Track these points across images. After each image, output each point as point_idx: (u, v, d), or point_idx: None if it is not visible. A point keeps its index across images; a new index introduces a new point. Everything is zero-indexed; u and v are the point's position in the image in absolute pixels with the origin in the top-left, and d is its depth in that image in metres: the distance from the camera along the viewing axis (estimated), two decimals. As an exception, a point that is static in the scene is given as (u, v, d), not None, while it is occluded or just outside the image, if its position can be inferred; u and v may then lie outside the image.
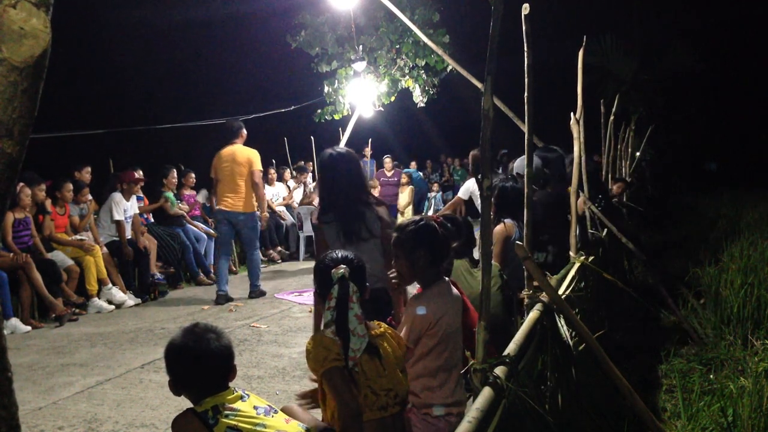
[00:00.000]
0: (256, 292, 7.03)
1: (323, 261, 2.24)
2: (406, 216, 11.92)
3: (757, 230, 7.90)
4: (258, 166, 6.95)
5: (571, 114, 4.78)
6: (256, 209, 7.01)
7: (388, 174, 12.87)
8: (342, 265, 2.14)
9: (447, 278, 2.60)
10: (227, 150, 6.91)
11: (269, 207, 10.33)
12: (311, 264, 8.80)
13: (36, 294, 5.91)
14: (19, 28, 0.75)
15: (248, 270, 7.14)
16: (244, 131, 7.06)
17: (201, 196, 9.08)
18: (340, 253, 2.24)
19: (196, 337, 1.99)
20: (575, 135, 4.69)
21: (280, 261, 9.96)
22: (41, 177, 6.50)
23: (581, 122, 4.89)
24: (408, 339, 2.40)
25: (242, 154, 6.89)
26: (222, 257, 6.97)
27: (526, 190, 3.08)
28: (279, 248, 10.10)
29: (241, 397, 1.99)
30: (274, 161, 11.50)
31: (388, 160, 13.05)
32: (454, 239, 3.07)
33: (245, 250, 7.19)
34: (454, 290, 2.59)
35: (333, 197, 3.25)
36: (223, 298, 6.74)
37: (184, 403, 1.98)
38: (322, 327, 2.15)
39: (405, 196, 12.70)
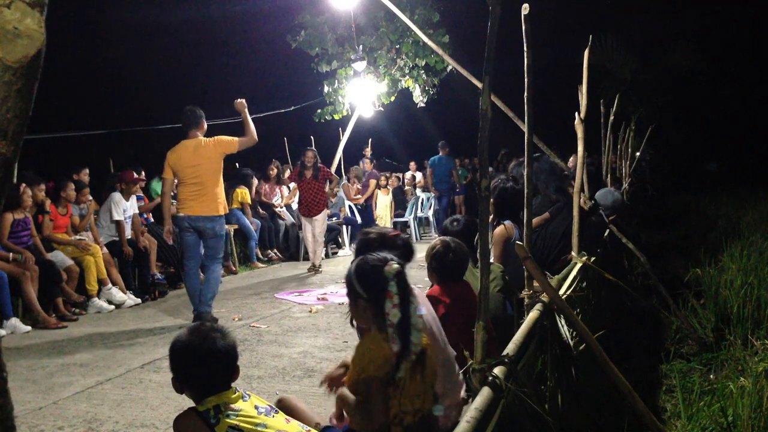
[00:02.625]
0: (204, 315, 5.57)
1: (367, 263, 2.09)
2: (382, 219, 11.75)
3: (757, 230, 7.89)
4: (230, 140, 5.77)
5: (576, 114, 4.76)
6: (223, 212, 5.83)
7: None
8: (393, 262, 2.05)
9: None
10: (188, 147, 5.72)
11: (269, 207, 10.34)
12: (309, 264, 8.62)
13: (38, 293, 5.89)
14: (13, 28, 0.76)
15: (204, 287, 5.75)
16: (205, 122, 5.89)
17: None
18: (380, 253, 2.13)
19: (201, 335, 1.99)
20: (579, 135, 4.66)
21: (278, 260, 9.96)
22: (42, 177, 6.50)
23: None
24: None
25: (209, 149, 5.69)
26: (191, 273, 5.83)
27: (526, 191, 3.08)
28: (275, 250, 10.09)
29: (243, 397, 2.00)
30: (274, 160, 11.51)
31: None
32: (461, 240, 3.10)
33: (206, 263, 5.83)
34: (416, 289, 2.57)
35: None
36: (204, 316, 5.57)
37: (185, 403, 1.98)
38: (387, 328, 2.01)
39: (383, 199, 12.03)
